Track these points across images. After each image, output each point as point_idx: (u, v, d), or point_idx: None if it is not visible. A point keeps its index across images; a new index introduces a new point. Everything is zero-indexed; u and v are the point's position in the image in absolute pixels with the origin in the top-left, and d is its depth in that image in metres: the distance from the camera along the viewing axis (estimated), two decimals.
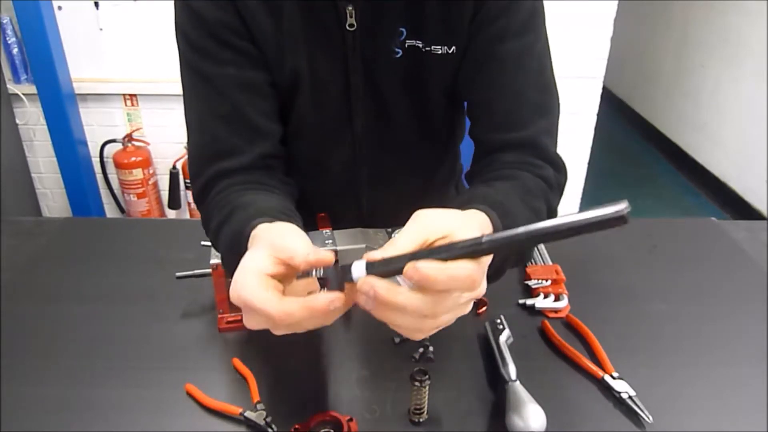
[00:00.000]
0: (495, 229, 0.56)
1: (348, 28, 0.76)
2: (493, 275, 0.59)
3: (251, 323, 0.48)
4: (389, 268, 0.46)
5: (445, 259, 0.44)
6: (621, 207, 0.39)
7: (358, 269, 0.47)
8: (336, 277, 0.48)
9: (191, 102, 0.77)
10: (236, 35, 0.75)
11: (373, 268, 0.46)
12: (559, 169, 0.76)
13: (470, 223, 0.51)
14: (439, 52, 0.78)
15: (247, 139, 0.76)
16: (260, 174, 0.76)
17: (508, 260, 0.65)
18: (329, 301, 0.45)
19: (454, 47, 0.78)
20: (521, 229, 0.43)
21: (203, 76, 0.75)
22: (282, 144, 0.82)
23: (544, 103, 0.78)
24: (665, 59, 4.19)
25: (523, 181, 0.71)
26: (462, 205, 0.58)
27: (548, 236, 0.43)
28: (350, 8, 0.75)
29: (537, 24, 0.77)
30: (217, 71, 0.75)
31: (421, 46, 0.78)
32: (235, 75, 0.75)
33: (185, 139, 0.79)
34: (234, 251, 0.58)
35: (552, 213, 0.73)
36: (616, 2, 2.39)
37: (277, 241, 0.50)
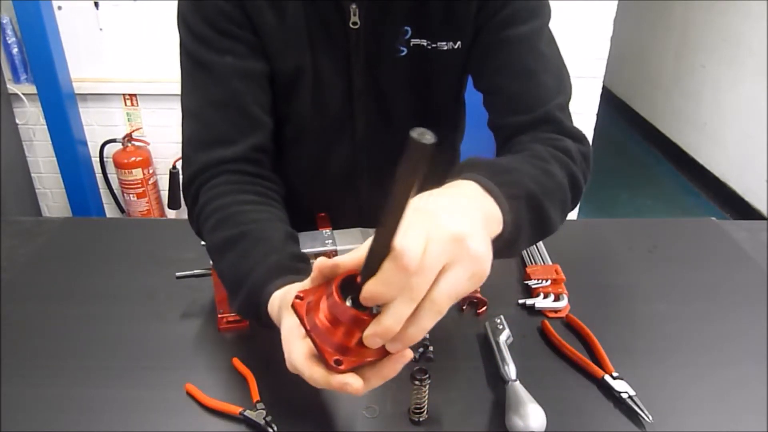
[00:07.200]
0: (486, 184, 0.55)
1: (351, 26, 0.76)
2: (504, 249, 0.55)
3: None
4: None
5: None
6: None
7: None
8: None
9: (188, 89, 0.78)
10: (236, 25, 0.75)
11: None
12: (579, 140, 0.74)
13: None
14: (445, 48, 0.78)
15: (241, 129, 0.76)
16: (252, 167, 0.76)
17: (522, 230, 0.59)
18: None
19: (459, 42, 0.78)
20: None
21: (201, 64, 0.76)
22: (272, 139, 0.82)
23: (557, 82, 0.77)
24: (665, 59, 4.19)
25: (531, 150, 0.68)
26: (453, 176, 0.57)
27: None
28: (354, 6, 0.75)
29: (543, 12, 0.77)
30: (216, 59, 0.75)
31: (426, 44, 0.78)
32: (233, 63, 0.75)
33: None
34: (251, 310, 0.63)
35: (575, 180, 0.69)
36: (616, 2, 2.39)
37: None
